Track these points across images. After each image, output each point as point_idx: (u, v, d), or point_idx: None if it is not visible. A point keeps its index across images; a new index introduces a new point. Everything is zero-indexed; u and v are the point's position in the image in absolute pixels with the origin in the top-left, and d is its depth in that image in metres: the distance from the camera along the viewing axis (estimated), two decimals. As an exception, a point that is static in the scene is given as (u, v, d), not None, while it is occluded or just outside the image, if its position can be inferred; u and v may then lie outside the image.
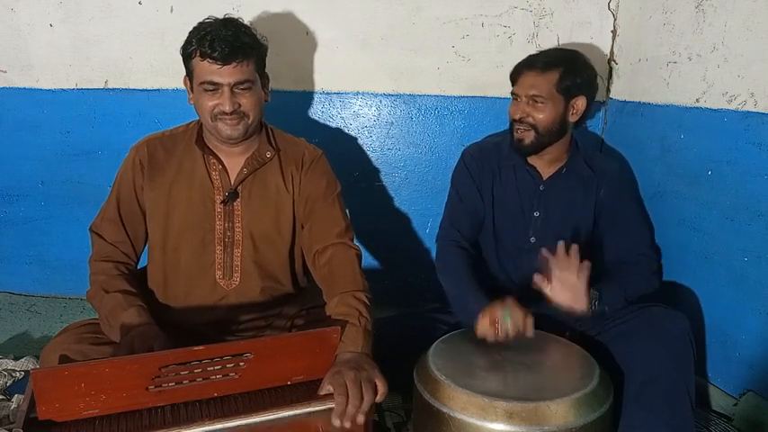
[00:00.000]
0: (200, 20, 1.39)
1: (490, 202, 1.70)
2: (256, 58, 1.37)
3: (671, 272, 1.78)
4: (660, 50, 1.81)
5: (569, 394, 1.22)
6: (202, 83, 1.32)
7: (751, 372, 1.55)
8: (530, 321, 1.41)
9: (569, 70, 1.58)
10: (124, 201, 1.44)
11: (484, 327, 1.43)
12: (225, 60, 1.29)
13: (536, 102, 1.58)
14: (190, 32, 1.35)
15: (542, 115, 1.58)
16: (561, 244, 1.46)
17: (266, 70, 1.47)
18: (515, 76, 1.65)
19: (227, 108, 1.32)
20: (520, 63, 1.65)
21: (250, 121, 1.37)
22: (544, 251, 1.47)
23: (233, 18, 1.38)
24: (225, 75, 1.31)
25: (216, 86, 1.32)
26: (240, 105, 1.34)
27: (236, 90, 1.33)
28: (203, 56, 1.30)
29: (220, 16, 1.40)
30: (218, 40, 1.29)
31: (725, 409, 1.63)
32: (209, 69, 1.31)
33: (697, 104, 1.66)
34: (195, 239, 1.42)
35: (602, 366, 1.35)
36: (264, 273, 1.46)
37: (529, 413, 1.18)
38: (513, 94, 1.65)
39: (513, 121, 1.63)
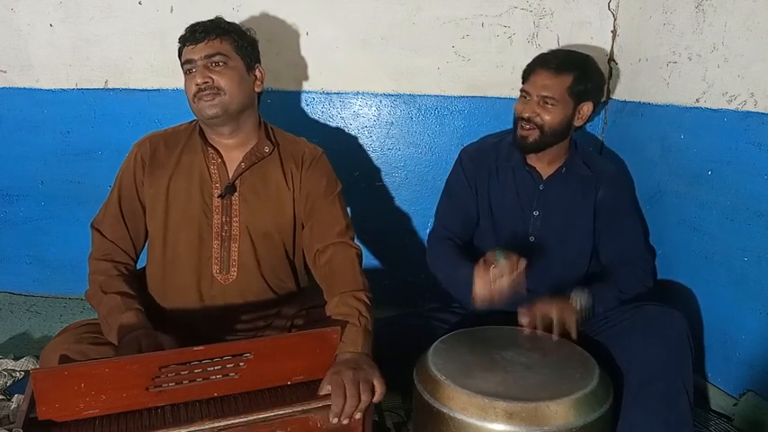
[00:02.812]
0: (200, 20, 1.42)
1: (487, 202, 1.70)
2: (234, 39, 1.41)
3: (671, 272, 1.78)
4: (660, 50, 1.81)
5: (569, 394, 1.22)
6: (183, 65, 1.40)
7: (751, 372, 1.55)
8: (521, 266, 1.39)
9: (583, 75, 1.59)
10: (125, 197, 1.44)
11: (479, 291, 1.40)
12: (198, 39, 1.37)
13: (546, 103, 1.57)
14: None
15: (550, 116, 1.57)
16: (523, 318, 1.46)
17: (265, 69, 1.49)
18: (528, 73, 1.64)
19: (199, 79, 1.36)
20: (534, 61, 1.64)
21: (227, 98, 1.37)
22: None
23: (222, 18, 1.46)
24: (197, 51, 1.37)
25: (192, 64, 1.38)
26: (213, 80, 1.36)
27: (210, 66, 1.37)
28: (184, 43, 1.40)
29: (219, 16, 1.43)
30: (195, 26, 1.40)
31: (725, 409, 1.63)
32: (187, 50, 1.39)
33: (697, 104, 1.66)
34: (193, 233, 1.42)
35: (602, 366, 1.35)
36: (262, 268, 1.46)
37: (529, 413, 1.18)
38: (522, 91, 1.64)
39: (519, 119, 1.62)
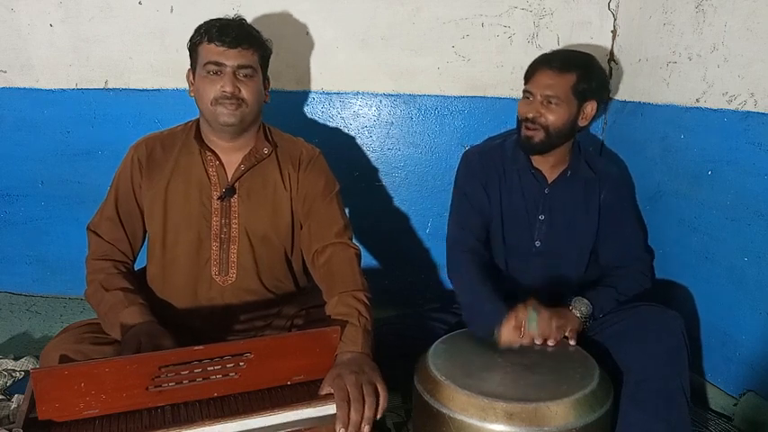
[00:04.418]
0: (200, 20, 1.42)
1: (497, 203, 1.68)
2: (261, 51, 1.41)
3: (671, 272, 1.78)
4: (660, 50, 1.81)
5: (569, 395, 1.22)
6: (207, 63, 1.36)
7: (751, 372, 1.55)
8: (556, 325, 1.40)
9: (586, 74, 1.58)
10: (122, 199, 1.44)
11: (508, 333, 1.40)
12: (231, 44, 1.34)
13: (550, 102, 1.56)
14: (199, 26, 1.40)
15: (555, 116, 1.56)
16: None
17: (267, 71, 1.48)
18: (530, 73, 1.62)
19: (228, 88, 1.34)
20: (536, 60, 1.63)
21: (248, 110, 1.38)
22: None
23: (241, 18, 1.44)
24: (230, 57, 1.35)
25: (220, 68, 1.35)
26: (240, 90, 1.36)
27: (239, 75, 1.36)
28: (211, 40, 1.35)
29: (221, 16, 1.42)
30: (227, 27, 1.36)
31: (725, 409, 1.63)
32: (216, 51, 1.35)
33: (697, 104, 1.66)
34: (192, 235, 1.42)
35: (602, 366, 1.35)
36: (261, 270, 1.46)
37: (529, 414, 1.18)
38: (525, 91, 1.62)
39: (523, 120, 1.61)
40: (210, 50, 1.35)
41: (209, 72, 1.36)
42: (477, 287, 1.54)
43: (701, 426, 1.58)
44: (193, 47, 1.40)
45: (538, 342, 1.40)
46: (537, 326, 1.39)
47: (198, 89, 1.39)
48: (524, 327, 1.39)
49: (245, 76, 1.37)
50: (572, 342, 1.43)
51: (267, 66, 1.46)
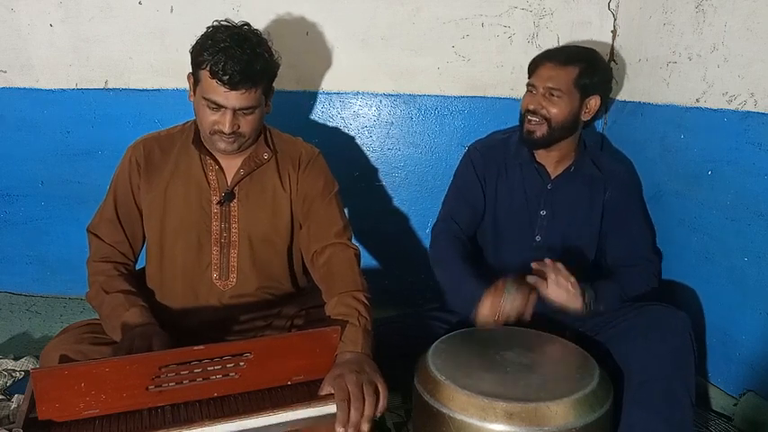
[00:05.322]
0: (200, 20, 1.38)
1: (493, 199, 1.69)
2: (265, 84, 1.35)
3: (671, 272, 1.78)
4: (660, 50, 1.81)
5: (569, 395, 1.21)
6: (206, 98, 1.30)
7: (751, 372, 1.55)
8: (532, 300, 1.41)
9: (589, 67, 1.58)
10: (121, 201, 1.44)
11: (484, 312, 1.41)
12: (233, 86, 1.26)
13: (552, 95, 1.57)
14: (204, 39, 1.31)
15: (557, 109, 1.57)
16: (548, 260, 1.46)
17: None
18: (533, 67, 1.63)
19: (226, 130, 1.31)
20: (539, 55, 1.64)
21: (245, 139, 1.36)
22: (534, 265, 1.46)
23: (251, 34, 1.33)
24: (231, 99, 1.28)
25: (217, 105, 1.30)
26: (239, 127, 1.33)
27: (239, 113, 1.32)
28: (213, 74, 1.26)
29: (220, 16, 1.38)
30: (231, 63, 1.25)
31: (725, 409, 1.63)
32: (216, 90, 1.27)
33: (697, 104, 1.66)
34: (191, 239, 1.42)
35: (602, 367, 1.35)
36: (262, 273, 1.46)
37: (529, 414, 1.18)
38: (529, 85, 1.63)
39: (525, 112, 1.62)
40: (210, 86, 1.28)
41: (208, 105, 1.30)
42: (457, 271, 1.57)
43: (701, 426, 1.58)
44: (195, 63, 1.31)
45: (512, 320, 1.41)
46: (517, 293, 1.40)
47: (197, 108, 1.35)
48: (501, 304, 1.40)
49: (245, 114, 1.32)
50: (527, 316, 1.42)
51: (272, 86, 1.40)
